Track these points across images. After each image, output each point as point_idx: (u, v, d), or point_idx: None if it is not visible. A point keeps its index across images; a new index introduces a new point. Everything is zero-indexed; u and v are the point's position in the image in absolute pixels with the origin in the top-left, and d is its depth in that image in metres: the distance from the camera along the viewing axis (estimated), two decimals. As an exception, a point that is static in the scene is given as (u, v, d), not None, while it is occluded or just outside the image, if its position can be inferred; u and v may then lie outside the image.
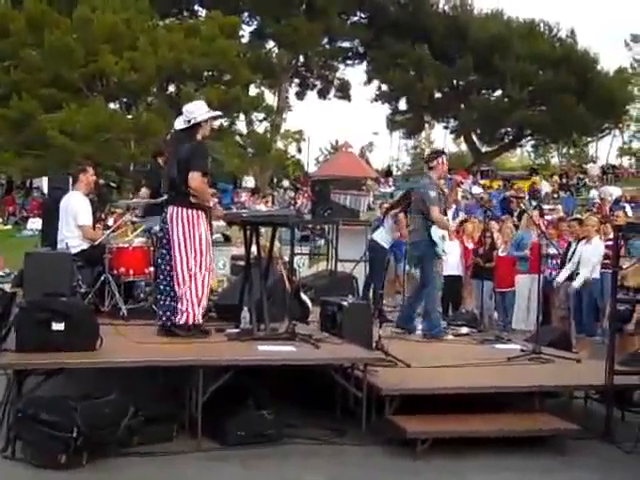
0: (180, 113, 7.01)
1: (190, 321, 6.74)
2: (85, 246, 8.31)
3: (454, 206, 14.64)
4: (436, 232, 8.47)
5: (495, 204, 20.25)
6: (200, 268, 6.74)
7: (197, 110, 6.91)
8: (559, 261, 11.14)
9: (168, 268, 6.87)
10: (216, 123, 23.25)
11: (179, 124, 6.95)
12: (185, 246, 6.71)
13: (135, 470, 5.26)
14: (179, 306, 6.76)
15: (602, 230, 11.10)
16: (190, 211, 6.70)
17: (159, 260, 7.10)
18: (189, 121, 6.83)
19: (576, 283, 10.31)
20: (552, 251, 11.12)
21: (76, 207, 8.48)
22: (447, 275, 11.70)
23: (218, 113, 7.58)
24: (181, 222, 6.71)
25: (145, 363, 5.87)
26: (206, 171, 6.80)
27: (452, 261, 11.88)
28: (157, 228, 8.45)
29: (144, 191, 9.17)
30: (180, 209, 6.72)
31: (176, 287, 6.81)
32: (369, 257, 11.01)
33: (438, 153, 9.51)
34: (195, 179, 6.62)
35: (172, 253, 6.80)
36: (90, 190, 8.92)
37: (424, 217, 8.57)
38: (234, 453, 5.64)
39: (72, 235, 8.37)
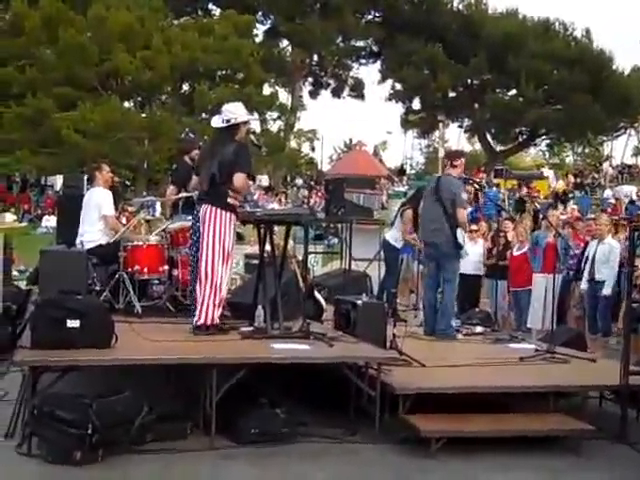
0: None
1: (208, 322, 6.79)
2: (102, 241, 8.34)
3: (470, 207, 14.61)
4: (461, 233, 8.47)
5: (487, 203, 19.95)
6: (226, 270, 6.80)
7: (237, 111, 7.01)
8: (575, 261, 11.09)
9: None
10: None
11: (216, 122, 7.05)
12: (214, 247, 6.76)
13: (149, 467, 5.27)
14: (198, 306, 6.83)
15: (621, 229, 11.05)
16: (225, 213, 6.77)
17: (191, 257, 7.21)
18: (228, 120, 6.89)
19: (606, 289, 10.19)
20: (571, 251, 11.08)
21: (100, 199, 8.56)
22: (469, 274, 11.73)
23: (255, 116, 7.78)
24: (213, 222, 6.77)
25: (159, 361, 5.90)
26: (250, 172, 6.97)
27: (474, 261, 11.86)
28: (172, 226, 8.51)
29: (172, 188, 9.20)
30: (215, 209, 6.78)
31: (197, 286, 6.89)
32: (383, 256, 11.00)
33: (461, 153, 9.48)
34: (239, 179, 6.74)
35: (199, 251, 6.90)
36: (108, 186, 8.97)
37: (448, 217, 8.51)
38: (247, 451, 5.65)
39: (92, 229, 8.42)
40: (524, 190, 27.49)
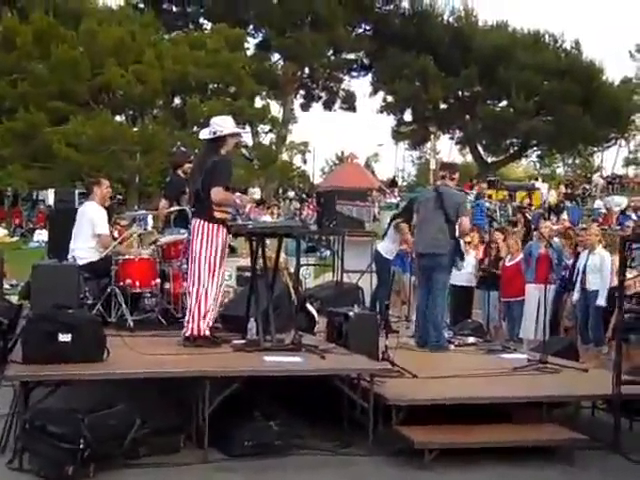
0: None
1: (195, 333, 6.81)
2: (94, 258, 8.30)
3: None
4: (462, 244, 8.50)
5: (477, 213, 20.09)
6: (212, 282, 6.82)
7: (224, 124, 7.05)
8: (567, 271, 11.10)
9: None
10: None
11: (204, 134, 7.13)
12: (200, 259, 6.82)
13: (141, 481, 5.26)
14: (187, 318, 6.88)
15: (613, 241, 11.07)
16: (213, 226, 6.83)
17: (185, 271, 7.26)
18: (214, 132, 6.93)
19: (600, 300, 10.15)
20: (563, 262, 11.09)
21: (94, 217, 8.50)
22: (461, 285, 11.76)
23: (244, 130, 7.78)
24: (201, 235, 6.84)
25: (151, 374, 5.89)
26: (228, 186, 6.94)
27: (466, 272, 11.86)
28: (164, 240, 8.51)
29: (163, 202, 9.20)
30: (202, 222, 6.86)
31: (187, 298, 6.98)
32: (375, 268, 11.00)
33: (457, 166, 9.55)
34: (217, 194, 6.78)
35: (188, 264, 7.00)
36: (104, 202, 8.95)
37: (451, 227, 8.50)
38: (241, 464, 5.64)
39: (84, 245, 8.37)
40: (526, 201, 27.66)
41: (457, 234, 8.55)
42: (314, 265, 15.57)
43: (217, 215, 6.83)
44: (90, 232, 8.43)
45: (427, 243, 8.68)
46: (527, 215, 20.58)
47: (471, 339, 9.17)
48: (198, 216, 6.93)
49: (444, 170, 9.09)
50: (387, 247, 10.75)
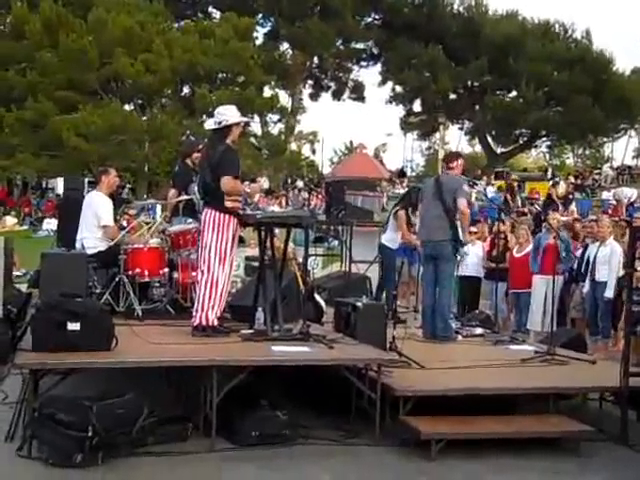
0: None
1: (203, 322, 6.83)
2: (102, 248, 8.32)
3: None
4: (462, 232, 8.49)
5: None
6: (221, 272, 6.83)
7: (228, 113, 7.04)
8: (575, 263, 11.06)
9: None
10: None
11: (209, 125, 7.14)
12: (210, 249, 6.84)
13: (149, 470, 5.28)
14: (195, 307, 6.91)
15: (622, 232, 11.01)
16: (222, 215, 6.84)
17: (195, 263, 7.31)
18: (220, 122, 6.94)
19: (608, 292, 10.12)
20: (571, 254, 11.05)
21: (99, 208, 8.50)
22: (469, 276, 11.76)
23: (249, 119, 7.78)
24: (211, 225, 6.85)
25: (159, 363, 5.91)
26: (237, 175, 6.95)
27: (474, 263, 11.86)
28: (172, 229, 8.52)
29: (173, 192, 9.22)
30: (213, 212, 6.87)
31: (197, 287, 7.00)
32: (381, 259, 11.01)
33: (458, 155, 9.50)
34: (227, 183, 6.79)
35: (198, 254, 7.01)
36: (112, 191, 8.96)
37: (450, 215, 8.50)
38: (248, 453, 5.65)
39: (91, 235, 8.37)
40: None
41: (457, 222, 8.56)
42: (322, 255, 15.58)
43: (228, 204, 6.84)
44: (95, 223, 8.44)
45: (427, 231, 8.83)
46: (537, 206, 20.50)
47: (479, 330, 9.17)
48: (209, 206, 6.94)
49: (443, 161, 9.23)
50: (390, 237, 10.76)
